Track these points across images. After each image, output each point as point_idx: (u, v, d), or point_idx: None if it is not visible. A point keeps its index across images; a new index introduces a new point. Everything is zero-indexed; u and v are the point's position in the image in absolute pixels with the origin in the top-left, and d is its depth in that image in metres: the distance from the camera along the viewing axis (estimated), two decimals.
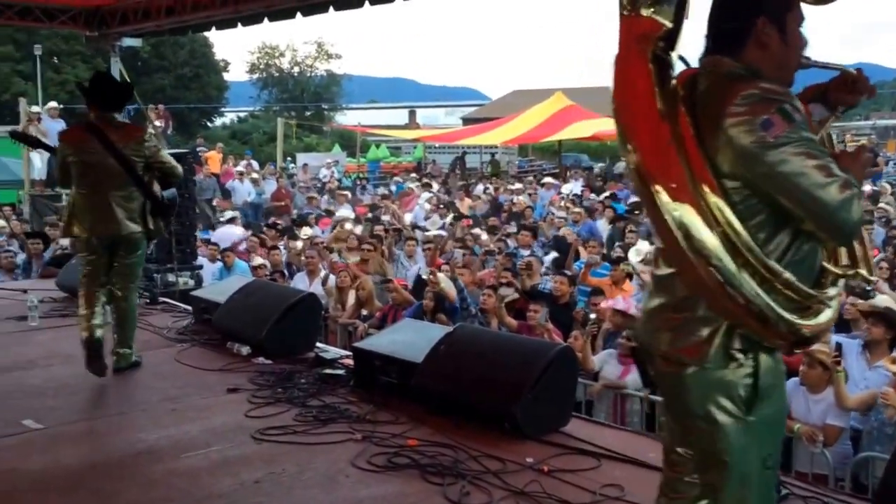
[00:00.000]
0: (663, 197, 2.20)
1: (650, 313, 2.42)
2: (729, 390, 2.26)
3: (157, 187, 5.69)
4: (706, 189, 2.16)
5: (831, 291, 2.30)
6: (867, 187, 14.59)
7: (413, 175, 25.83)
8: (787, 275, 2.17)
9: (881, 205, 13.38)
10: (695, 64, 2.39)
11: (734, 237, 2.14)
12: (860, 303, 6.35)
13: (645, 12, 2.29)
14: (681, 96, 2.27)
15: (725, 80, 2.23)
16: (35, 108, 17.25)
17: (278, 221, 14.26)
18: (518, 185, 20.30)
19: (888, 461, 3.37)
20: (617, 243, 10.53)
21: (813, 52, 2.35)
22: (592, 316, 7.10)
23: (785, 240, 2.20)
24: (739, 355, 2.25)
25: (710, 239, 2.14)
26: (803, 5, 2.33)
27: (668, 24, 2.28)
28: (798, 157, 2.09)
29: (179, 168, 5.86)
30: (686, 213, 2.16)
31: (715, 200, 2.15)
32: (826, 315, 2.28)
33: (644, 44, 2.29)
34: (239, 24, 8.67)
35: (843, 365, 5.39)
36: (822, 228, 2.17)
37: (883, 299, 6.41)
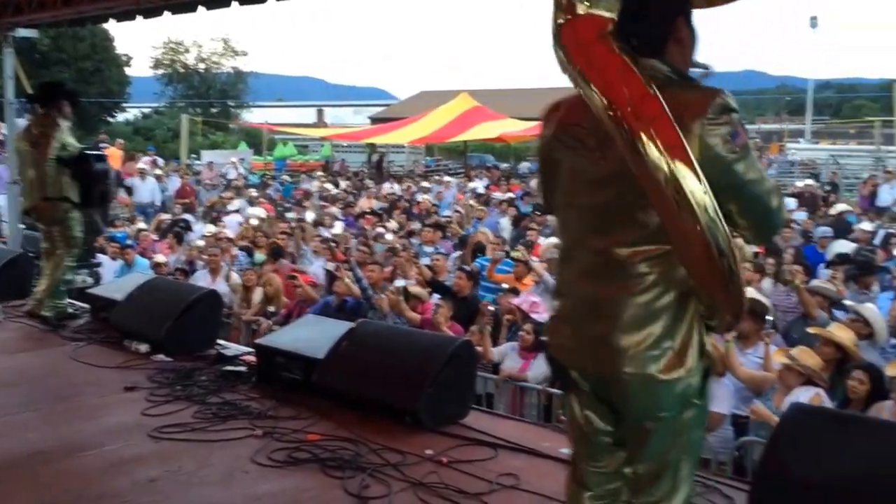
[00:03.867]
0: (652, 149, 2.07)
1: (596, 339, 2.29)
2: (699, 384, 2.28)
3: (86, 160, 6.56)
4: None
5: None
6: None
7: (321, 173, 25.68)
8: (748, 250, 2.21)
9: None
10: None
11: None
12: None
13: (581, 9, 2.24)
14: None
15: (673, 86, 2.18)
16: None
17: (180, 218, 14.04)
18: (426, 184, 20.40)
19: (766, 444, 3.55)
20: (520, 241, 10.74)
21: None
22: (490, 308, 7.23)
23: None
24: (709, 348, 2.27)
25: (702, 197, 2.06)
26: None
27: (610, 15, 2.24)
28: (755, 163, 2.18)
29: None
30: (679, 169, 2.05)
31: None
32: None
33: (605, 41, 2.22)
34: (139, 17, 8.45)
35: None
36: (763, 229, 2.31)
37: (749, 291, 6.78)
